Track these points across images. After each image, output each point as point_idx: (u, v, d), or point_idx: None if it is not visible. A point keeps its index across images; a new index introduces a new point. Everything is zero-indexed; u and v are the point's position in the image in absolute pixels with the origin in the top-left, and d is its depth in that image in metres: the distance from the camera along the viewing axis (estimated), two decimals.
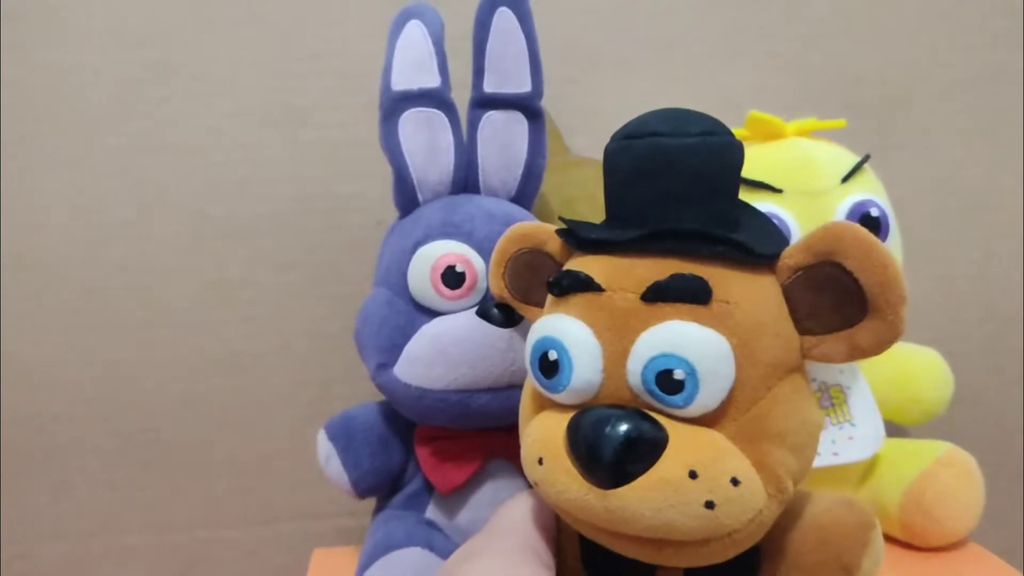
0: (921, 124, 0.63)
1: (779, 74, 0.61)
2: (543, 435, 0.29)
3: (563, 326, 0.29)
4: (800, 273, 0.29)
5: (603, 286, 0.29)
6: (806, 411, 0.29)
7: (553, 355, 0.29)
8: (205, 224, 0.58)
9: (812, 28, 0.61)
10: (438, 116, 0.44)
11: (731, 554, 0.29)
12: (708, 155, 0.29)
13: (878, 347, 0.28)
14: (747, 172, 0.47)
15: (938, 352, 0.52)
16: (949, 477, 0.46)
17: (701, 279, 0.28)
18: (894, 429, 0.52)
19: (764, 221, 0.31)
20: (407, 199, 0.45)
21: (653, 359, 0.27)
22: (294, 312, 0.58)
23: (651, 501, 0.26)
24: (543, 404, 0.31)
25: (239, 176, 0.57)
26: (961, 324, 0.65)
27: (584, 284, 0.29)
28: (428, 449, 0.44)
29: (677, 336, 0.27)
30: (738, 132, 0.50)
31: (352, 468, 0.44)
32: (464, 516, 0.44)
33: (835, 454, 0.48)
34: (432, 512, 0.45)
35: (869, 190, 0.47)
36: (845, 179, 0.47)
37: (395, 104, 0.44)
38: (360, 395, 0.48)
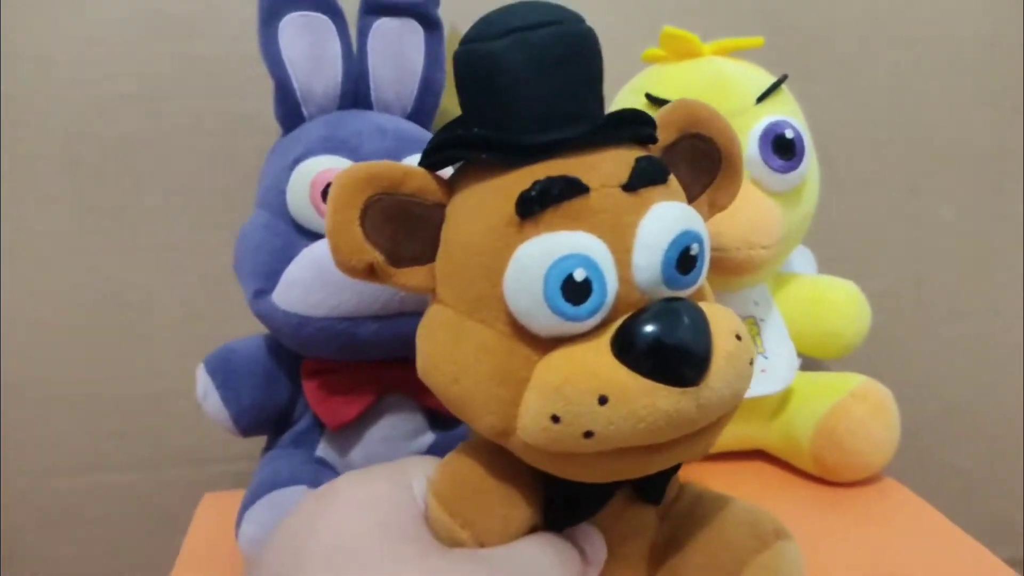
0: (844, 51, 0.61)
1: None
2: (592, 370, 0.25)
3: (575, 240, 0.25)
4: (666, 149, 0.30)
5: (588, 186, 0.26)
6: None
7: (581, 274, 0.25)
8: (84, 145, 0.53)
9: None
10: (323, 21, 0.41)
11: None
12: (594, 40, 0.28)
13: (731, 199, 0.32)
14: (660, 91, 0.45)
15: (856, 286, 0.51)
16: (862, 411, 0.45)
17: (660, 159, 0.28)
18: (810, 364, 0.51)
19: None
20: (290, 113, 0.41)
21: (673, 242, 0.26)
22: (182, 242, 0.55)
23: (726, 375, 0.25)
24: (522, 352, 0.26)
25: (122, 92, 0.53)
26: (882, 260, 0.64)
27: (575, 186, 0.26)
28: (315, 383, 0.41)
29: (679, 215, 0.27)
30: (653, 51, 0.48)
31: (232, 403, 0.41)
32: (357, 453, 0.42)
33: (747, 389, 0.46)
34: (323, 450, 0.42)
35: (784, 111, 0.45)
36: (760, 99, 0.45)
37: (274, 7, 0.40)
38: (254, 331, 0.45)
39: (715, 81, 0.46)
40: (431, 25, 0.42)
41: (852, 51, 0.61)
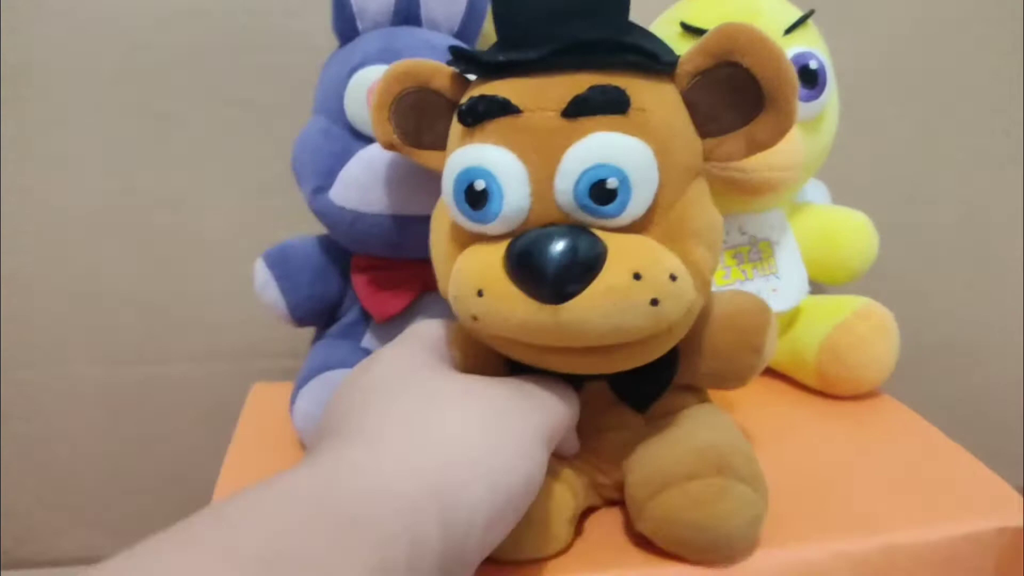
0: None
1: None
2: (479, 267, 0.29)
3: (486, 154, 0.29)
4: (699, 77, 0.30)
5: (520, 107, 0.29)
6: (712, 211, 0.32)
7: (480, 184, 0.29)
8: (142, 54, 0.56)
9: None
10: None
11: (668, 347, 0.31)
12: None
13: (774, 138, 0.30)
14: (694, 20, 0.48)
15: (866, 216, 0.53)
16: (864, 328, 0.48)
17: (619, 89, 0.28)
18: (818, 291, 0.54)
19: (651, 35, 0.32)
20: (346, 27, 0.44)
21: (585, 171, 0.28)
22: (237, 150, 0.58)
23: (602, 308, 0.27)
24: (464, 240, 0.31)
25: (181, 5, 0.56)
26: (891, 201, 0.66)
27: (502, 107, 0.29)
28: (364, 278, 0.44)
29: (605, 146, 0.28)
30: None
31: (289, 294, 0.45)
32: None
33: None
34: (368, 341, 0.46)
35: (810, 43, 0.47)
36: (788, 31, 0.47)
37: None
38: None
39: (747, 11, 0.48)
40: None
41: None
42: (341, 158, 0.41)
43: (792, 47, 0.47)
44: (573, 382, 0.33)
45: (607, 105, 0.28)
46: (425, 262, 0.44)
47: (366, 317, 0.46)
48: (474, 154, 0.29)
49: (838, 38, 0.50)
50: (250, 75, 0.57)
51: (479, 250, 0.30)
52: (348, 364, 0.42)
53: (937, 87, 0.65)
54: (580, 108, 0.28)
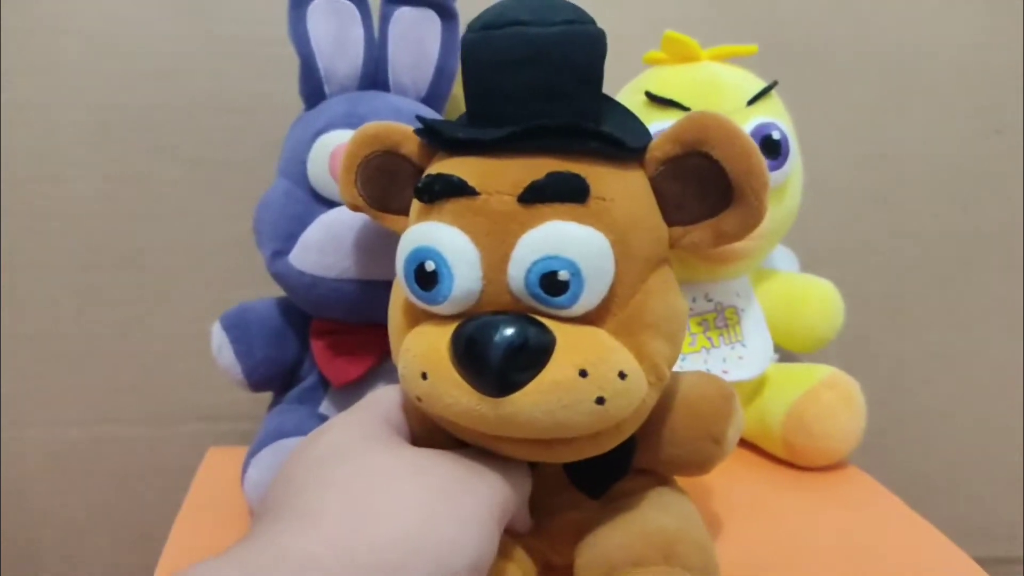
0: (835, 67, 0.64)
1: (706, 7, 0.62)
2: (425, 349, 0.29)
3: (438, 234, 0.28)
4: (667, 165, 0.29)
5: (477, 189, 0.28)
6: (675, 300, 0.31)
7: (431, 266, 0.28)
8: (112, 114, 0.56)
9: None
10: (348, 7, 0.44)
11: (616, 443, 0.30)
12: (574, 44, 0.28)
13: (742, 232, 0.29)
14: (659, 90, 0.48)
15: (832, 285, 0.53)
16: (831, 398, 0.48)
17: (579, 176, 0.27)
18: (786, 358, 0.54)
19: (626, 113, 0.32)
20: (313, 90, 0.44)
21: (537, 262, 0.27)
22: (202, 210, 0.58)
23: (544, 404, 0.26)
24: (418, 317, 0.30)
25: (152, 68, 0.56)
26: (860, 266, 0.67)
27: (457, 188, 0.28)
28: (323, 342, 0.44)
29: (559, 237, 0.27)
30: (654, 54, 0.51)
31: (245, 358, 0.44)
32: None
33: (725, 372, 0.49)
34: (326, 407, 0.45)
35: (773, 114, 0.48)
36: (751, 102, 0.48)
37: None
38: (264, 297, 0.48)
39: (711, 83, 0.49)
40: (448, 15, 0.45)
41: (840, 65, 0.64)
42: (302, 221, 0.41)
43: (755, 117, 0.47)
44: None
45: (565, 193, 0.27)
46: (385, 327, 0.44)
47: (325, 382, 0.45)
48: (427, 233, 0.28)
49: (802, 107, 0.51)
50: (216, 135, 0.57)
51: (427, 331, 0.29)
52: (304, 431, 0.41)
53: (900, 155, 0.66)
54: (536, 195, 0.27)
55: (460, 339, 0.27)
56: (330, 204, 0.41)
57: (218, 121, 0.57)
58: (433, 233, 0.28)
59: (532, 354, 0.26)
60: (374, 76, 0.45)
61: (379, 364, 0.44)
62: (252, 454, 0.41)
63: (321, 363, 0.44)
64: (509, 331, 0.26)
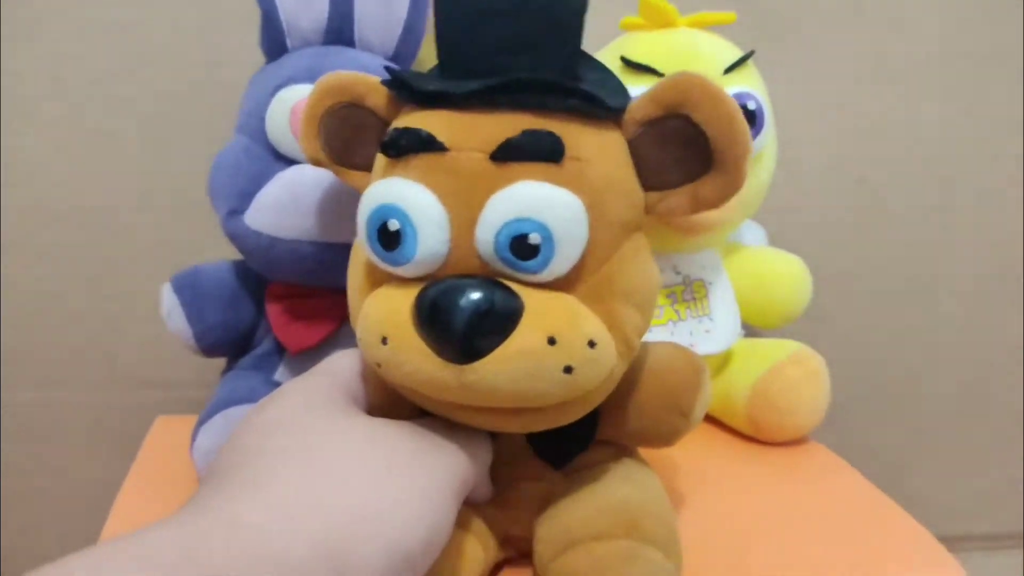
0: (810, 36, 0.63)
1: None
2: (386, 312, 0.27)
3: (404, 192, 0.27)
4: (646, 127, 0.28)
5: (446, 145, 0.26)
6: (649, 269, 0.30)
7: (394, 225, 0.26)
8: (70, 68, 0.54)
9: None
10: None
11: (584, 412, 0.29)
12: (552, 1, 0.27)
13: (721, 199, 0.28)
14: (635, 55, 0.47)
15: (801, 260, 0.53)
16: (796, 374, 0.48)
17: (554, 135, 0.26)
18: (752, 335, 0.53)
19: (605, 71, 0.31)
20: (275, 44, 0.42)
21: (507, 224, 0.25)
22: (158, 168, 0.55)
23: (510, 372, 0.25)
24: (380, 278, 0.29)
25: (107, 19, 0.53)
26: (829, 242, 0.67)
27: (425, 143, 0.27)
28: (279, 307, 0.42)
29: (531, 198, 0.26)
30: (631, 19, 0.50)
31: (196, 322, 0.42)
32: None
33: (692, 345, 0.49)
34: (282, 374, 0.43)
35: (749, 84, 0.47)
36: (727, 71, 0.47)
37: None
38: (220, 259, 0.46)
39: (688, 50, 0.47)
40: None
41: (818, 37, 0.63)
42: (260, 180, 0.39)
43: (731, 87, 0.46)
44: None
45: (538, 152, 0.26)
46: (345, 292, 0.43)
47: (280, 348, 0.43)
48: (392, 190, 0.27)
49: (778, 79, 0.50)
50: (174, 91, 0.55)
51: (389, 293, 0.28)
52: (256, 398, 0.38)
53: (876, 130, 0.66)
54: (509, 153, 0.26)
55: (423, 303, 0.26)
56: (289, 162, 0.40)
57: (178, 75, 0.55)
58: (398, 190, 0.27)
59: (498, 320, 0.25)
60: (339, 31, 0.43)
61: (338, 330, 0.43)
62: (202, 421, 0.39)
63: (277, 328, 0.42)
64: (475, 295, 0.25)
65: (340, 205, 0.38)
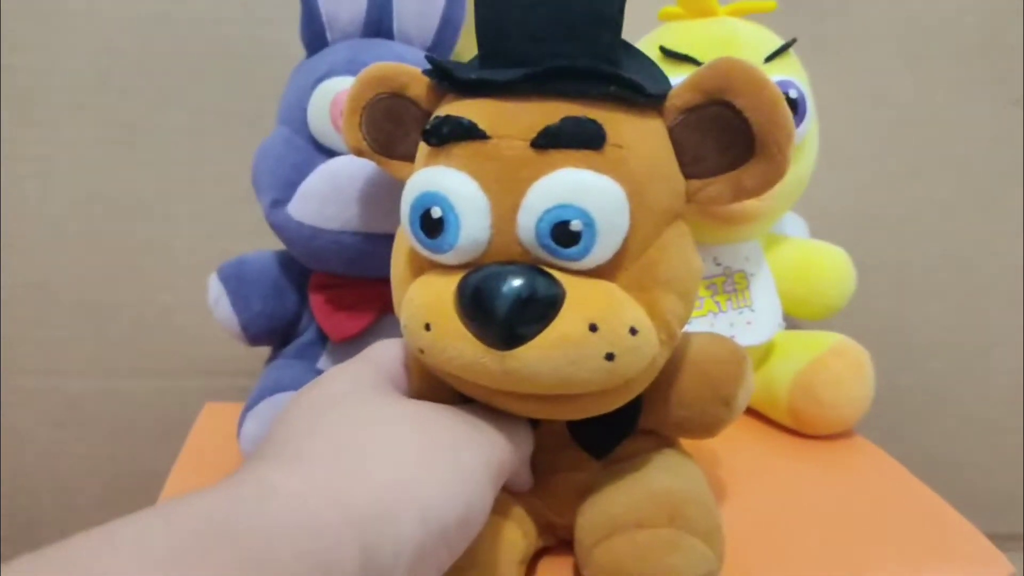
0: (858, 30, 0.62)
1: None
2: (429, 299, 0.28)
3: (446, 180, 0.27)
4: (687, 114, 0.28)
5: (488, 133, 0.27)
6: (691, 257, 0.30)
7: (437, 212, 0.27)
8: (114, 60, 0.55)
9: None
10: None
11: (625, 400, 0.29)
12: None
13: (764, 186, 0.28)
14: (674, 45, 0.47)
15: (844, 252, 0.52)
16: (839, 366, 0.47)
17: (595, 122, 0.26)
18: (793, 326, 0.53)
19: (645, 60, 0.30)
20: (315, 37, 0.43)
21: (548, 211, 0.26)
22: (203, 160, 0.56)
23: (552, 359, 0.25)
24: (422, 266, 0.29)
25: (155, 10, 0.54)
26: (873, 235, 0.66)
27: (467, 131, 0.27)
28: (322, 296, 0.43)
29: (573, 185, 0.26)
30: (670, 8, 0.50)
31: (242, 310, 0.43)
32: None
33: (732, 337, 0.48)
34: (324, 363, 0.44)
35: (790, 72, 0.47)
36: (768, 59, 0.46)
37: None
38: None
39: (727, 38, 0.47)
40: None
41: (862, 24, 0.62)
42: (302, 170, 0.40)
43: (772, 75, 0.45)
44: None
45: (580, 139, 0.26)
46: (386, 282, 0.43)
47: (323, 337, 0.44)
48: (434, 178, 0.27)
49: (820, 68, 0.50)
50: (219, 84, 0.56)
51: (432, 281, 0.28)
52: (300, 386, 0.39)
53: (923, 121, 0.64)
54: (550, 140, 0.26)
55: (466, 289, 0.26)
56: (331, 153, 0.40)
57: (222, 68, 0.56)
58: (440, 178, 0.27)
59: (540, 306, 0.26)
60: (378, 24, 0.43)
61: (379, 319, 0.43)
62: (249, 408, 0.40)
63: (320, 317, 0.43)
64: (517, 282, 0.25)
65: (381, 195, 0.39)
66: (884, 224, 0.66)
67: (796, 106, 0.46)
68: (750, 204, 0.45)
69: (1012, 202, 0.66)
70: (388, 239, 0.39)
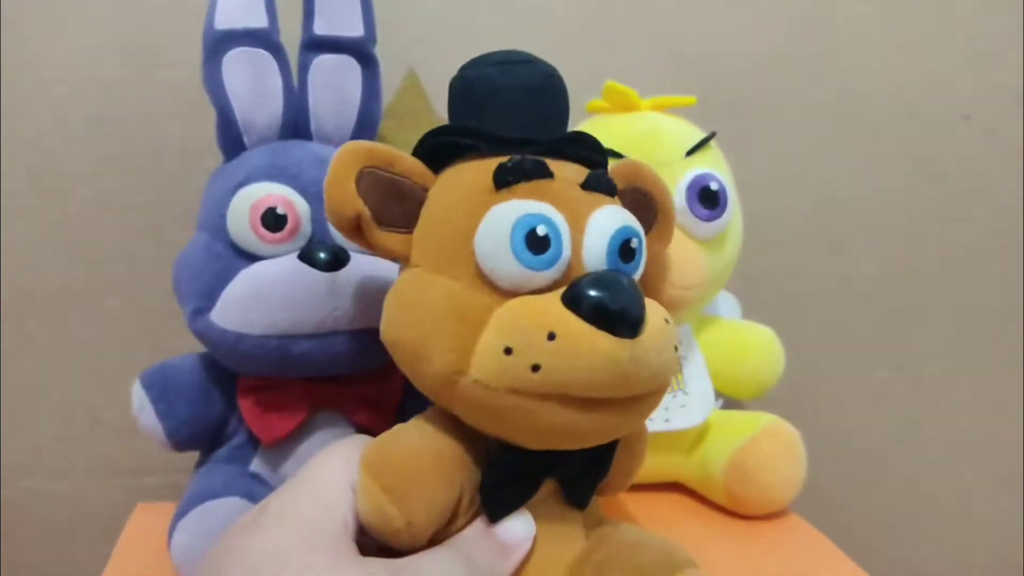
0: (771, 116, 0.65)
1: (648, 54, 0.62)
2: (538, 312, 0.28)
3: (540, 205, 0.30)
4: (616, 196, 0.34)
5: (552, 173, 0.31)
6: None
7: (543, 230, 0.29)
8: (48, 160, 0.55)
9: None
10: (265, 57, 0.43)
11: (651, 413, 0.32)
12: (561, 80, 0.34)
13: (664, 245, 0.37)
14: (601, 138, 0.47)
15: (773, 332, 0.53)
16: (772, 447, 0.48)
17: (610, 178, 0.33)
18: (729, 406, 0.53)
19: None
20: (232, 142, 0.43)
21: (618, 230, 0.30)
22: (139, 258, 0.56)
23: (660, 345, 0.29)
24: (481, 304, 0.29)
25: (87, 112, 0.55)
26: (801, 312, 0.67)
27: (543, 170, 0.31)
28: (251, 399, 0.42)
29: (623, 215, 0.31)
30: (595, 103, 0.51)
31: (166, 417, 0.42)
32: (290, 468, 0.43)
33: (667, 420, 0.49)
34: (257, 465, 0.43)
35: (711, 165, 0.48)
36: (689, 153, 0.48)
37: (218, 43, 0.42)
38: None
39: (650, 133, 0.49)
40: (368, 62, 0.45)
41: (779, 115, 0.65)
42: (222, 278, 0.39)
43: (693, 168, 0.47)
44: (534, 484, 0.31)
45: (610, 187, 0.33)
46: (313, 381, 0.43)
47: (255, 440, 0.43)
48: (530, 204, 0.30)
49: (740, 156, 0.51)
50: (151, 183, 0.56)
51: (527, 300, 0.29)
52: (232, 492, 0.39)
53: (840, 200, 0.67)
54: (594, 184, 0.32)
55: (580, 291, 0.28)
56: (251, 258, 0.40)
57: (155, 166, 0.56)
58: (537, 204, 0.30)
59: (643, 298, 0.29)
60: (295, 125, 0.44)
61: (310, 418, 0.43)
62: (178, 517, 0.39)
63: (250, 420, 0.42)
64: (624, 278, 0.29)
65: (302, 297, 0.38)
66: (811, 300, 0.68)
67: (717, 197, 0.47)
68: (678, 294, 0.46)
69: (933, 271, 0.68)
70: (312, 339, 0.39)
